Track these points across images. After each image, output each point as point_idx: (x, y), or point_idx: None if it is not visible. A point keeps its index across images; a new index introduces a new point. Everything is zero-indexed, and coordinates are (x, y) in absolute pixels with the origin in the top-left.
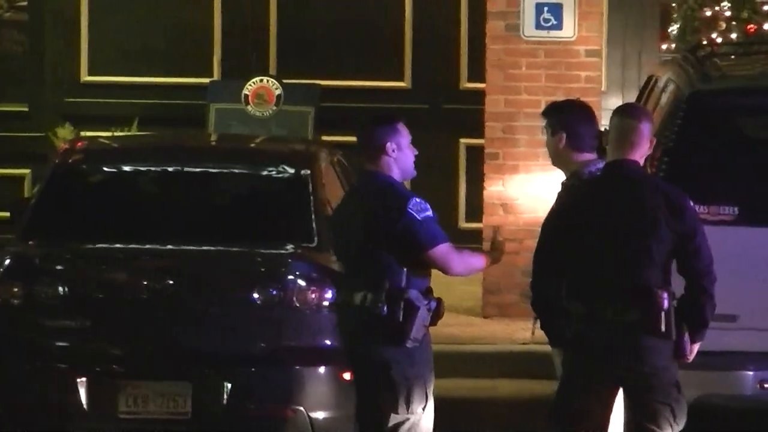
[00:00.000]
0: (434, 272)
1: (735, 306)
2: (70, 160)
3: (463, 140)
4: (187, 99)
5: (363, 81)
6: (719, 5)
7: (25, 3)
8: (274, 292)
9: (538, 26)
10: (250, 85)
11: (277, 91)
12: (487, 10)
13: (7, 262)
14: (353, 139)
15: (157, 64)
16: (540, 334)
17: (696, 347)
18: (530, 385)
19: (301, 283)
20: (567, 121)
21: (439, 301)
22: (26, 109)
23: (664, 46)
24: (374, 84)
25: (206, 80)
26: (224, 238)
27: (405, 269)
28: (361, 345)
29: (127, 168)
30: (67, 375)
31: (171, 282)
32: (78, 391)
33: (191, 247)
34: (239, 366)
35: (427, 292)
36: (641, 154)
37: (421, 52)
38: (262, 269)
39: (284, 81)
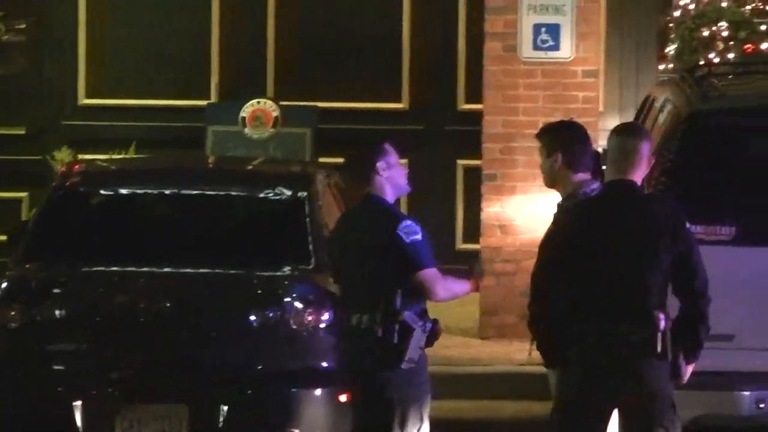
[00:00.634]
0: None
1: (732, 326)
2: (68, 183)
3: (460, 161)
4: (185, 121)
5: (361, 102)
6: (717, 25)
7: (23, 26)
8: (272, 314)
9: (536, 47)
10: (248, 107)
11: (275, 113)
12: (485, 31)
13: (6, 284)
14: None
15: (154, 86)
16: (537, 354)
17: (690, 368)
18: (529, 406)
19: (298, 305)
20: (562, 141)
21: (435, 322)
22: (24, 132)
23: (661, 67)
24: (372, 105)
25: (204, 102)
26: (222, 260)
27: (400, 291)
28: (357, 366)
29: (124, 191)
30: (64, 397)
31: (168, 304)
32: (74, 414)
33: (188, 270)
34: (236, 388)
35: (423, 314)
36: (640, 174)
37: (419, 73)
38: (260, 291)
39: (282, 103)
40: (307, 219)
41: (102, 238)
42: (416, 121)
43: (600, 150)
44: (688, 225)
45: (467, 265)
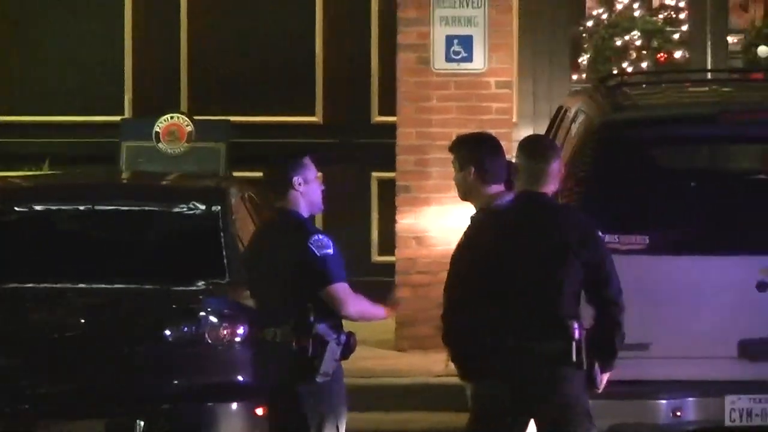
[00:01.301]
0: None
1: (647, 335)
2: None
3: (375, 174)
4: (99, 137)
5: (274, 116)
6: (630, 35)
7: None
8: (187, 329)
9: (449, 59)
10: (162, 122)
11: (189, 128)
12: (398, 43)
13: None
14: None
15: (68, 102)
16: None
17: (606, 377)
18: (447, 418)
19: (213, 319)
20: (474, 154)
21: (349, 334)
22: None
23: (575, 77)
24: (286, 119)
25: (118, 118)
26: (136, 275)
27: (313, 304)
28: (273, 380)
29: (38, 207)
30: None
31: (83, 320)
32: None
33: (103, 285)
34: (152, 404)
35: (338, 327)
36: (551, 188)
37: (333, 86)
38: (174, 306)
39: (195, 118)
40: (222, 233)
41: (15, 255)
42: (330, 135)
43: (513, 161)
44: (600, 234)
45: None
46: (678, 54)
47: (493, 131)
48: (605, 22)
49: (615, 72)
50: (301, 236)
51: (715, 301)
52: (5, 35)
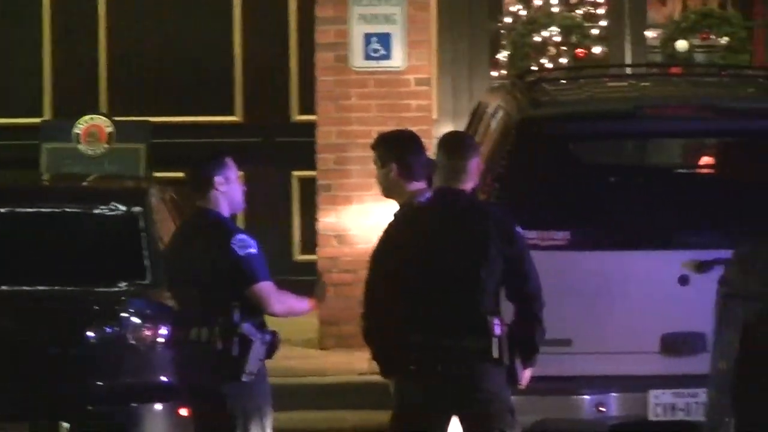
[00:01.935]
0: None
1: (569, 330)
2: None
3: (295, 173)
4: (19, 139)
5: (194, 116)
6: (548, 30)
7: None
8: (109, 330)
9: (368, 57)
10: (82, 123)
11: (109, 129)
12: (316, 41)
13: None
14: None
15: None
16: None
17: (528, 372)
18: (372, 416)
19: (135, 320)
20: (396, 152)
21: (274, 333)
22: None
23: (494, 73)
24: (206, 119)
25: (38, 120)
26: (57, 277)
27: (237, 304)
28: (198, 380)
29: None
30: None
31: (4, 323)
32: None
33: (25, 288)
34: (76, 405)
35: (262, 326)
36: (470, 185)
37: (252, 86)
38: (96, 307)
39: (115, 118)
40: (142, 234)
41: None
42: (250, 134)
43: (434, 158)
44: (519, 230)
45: (313, 287)
46: (597, 50)
47: (413, 128)
48: (524, 18)
49: (534, 68)
50: (224, 236)
51: (637, 295)
52: None
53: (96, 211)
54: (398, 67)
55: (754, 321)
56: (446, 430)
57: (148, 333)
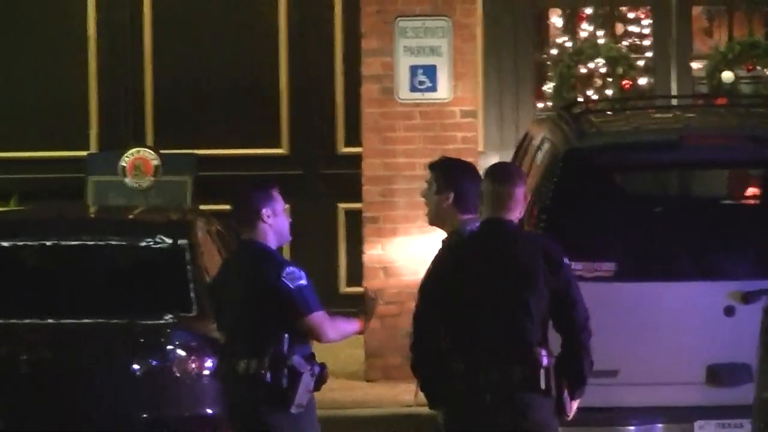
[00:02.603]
0: None
1: (615, 362)
2: None
3: (341, 205)
4: (66, 172)
5: (240, 149)
6: (594, 62)
7: None
8: (155, 363)
9: (413, 89)
10: (128, 156)
11: (155, 162)
12: (362, 74)
13: None
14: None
15: (34, 138)
16: (423, 395)
17: (575, 404)
18: None
19: (181, 352)
20: (455, 180)
21: (322, 366)
22: None
23: (540, 104)
24: (252, 152)
25: (84, 153)
26: (104, 310)
27: (287, 335)
28: (246, 412)
29: (5, 243)
30: None
31: (51, 356)
32: None
33: (70, 321)
34: None
35: (311, 358)
36: (516, 215)
37: (298, 117)
38: (142, 340)
39: (162, 151)
40: (188, 266)
41: None
42: (296, 166)
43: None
44: (566, 261)
45: (361, 305)
46: (643, 81)
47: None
48: (569, 49)
49: (580, 99)
50: (274, 269)
51: (682, 326)
52: None
53: (142, 244)
54: (444, 98)
55: None
56: None
57: (193, 365)
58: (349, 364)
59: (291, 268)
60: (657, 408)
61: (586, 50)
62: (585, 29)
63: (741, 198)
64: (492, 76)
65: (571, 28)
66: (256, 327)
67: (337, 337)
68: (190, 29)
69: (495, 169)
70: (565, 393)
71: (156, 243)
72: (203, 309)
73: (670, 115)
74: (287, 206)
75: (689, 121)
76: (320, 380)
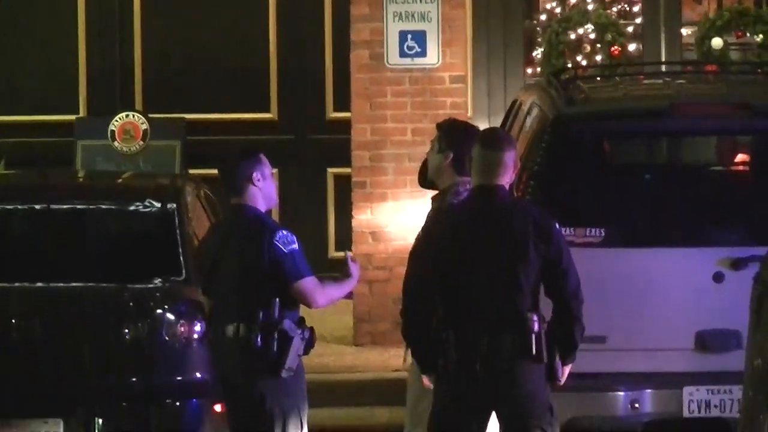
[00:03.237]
0: None
1: (604, 327)
2: None
3: (330, 170)
4: (54, 137)
5: (229, 114)
6: (583, 28)
7: None
8: (144, 327)
9: (403, 54)
10: (117, 120)
11: (144, 127)
12: (351, 39)
13: None
14: None
15: (22, 102)
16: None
17: (567, 370)
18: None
19: (170, 316)
20: (457, 142)
21: (311, 330)
22: None
23: (529, 71)
24: (240, 116)
25: (72, 117)
26: (92, 274)
27: (277, 300)
28: (236, 376)
29: None
30: None
31: (40, 319)
32: None
33: (59, 285)
34: (111, 402)
35: (301, 322)
36: (506, 180)
37: (287, 83)
38: (131, 304)
39: (150, 116)
40: (177, 231)
41: None
42: (285, 131)
43: None
44: (558, 227)
45: (341, 270)
46: (632, 47)
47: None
48: (558, 16)
49: (569, 66)
50: (266, 233)
51: (671, 293)
52: None
53: (131, 208)
54: (433, 64)
55: None
56: (485, 427)
57: (182, 329)
58: (337, 329)
59: (283, 233)
60: (646, 374)
61: (574, 17)
62: None
63: (731, 165)
64: (481, 42)
65: None
66: (247, 292)
67: (327, 303)
68: None
69: (484, 135)
70: (557, 359)
71: (145, 207)
72: (192, 273)
73: (660, 82)
74: (274, 170)
75: (679, 89)
76: (309, 344)
